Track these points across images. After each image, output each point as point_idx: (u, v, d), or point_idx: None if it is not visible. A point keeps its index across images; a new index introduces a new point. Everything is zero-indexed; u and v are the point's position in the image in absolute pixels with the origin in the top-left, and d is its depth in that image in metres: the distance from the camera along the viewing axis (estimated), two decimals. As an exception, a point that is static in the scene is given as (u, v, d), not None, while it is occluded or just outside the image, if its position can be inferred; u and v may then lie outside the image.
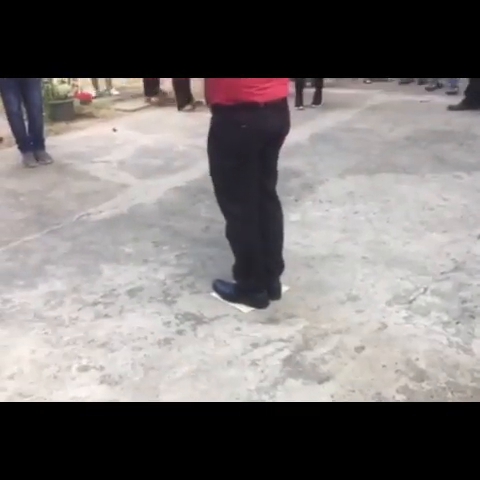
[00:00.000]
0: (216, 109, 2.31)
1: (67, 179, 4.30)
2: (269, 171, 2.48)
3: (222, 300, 2.62)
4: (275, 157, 2.49)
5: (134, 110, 6.48)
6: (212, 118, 2.35)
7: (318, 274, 2.79)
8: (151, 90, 6.67)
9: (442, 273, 2.71)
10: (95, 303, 2.67)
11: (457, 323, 2.34)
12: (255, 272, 2.52)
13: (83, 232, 3.39)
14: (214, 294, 2.68)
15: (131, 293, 2.73)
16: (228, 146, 2.29)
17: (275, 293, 2.59)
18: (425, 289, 2.59)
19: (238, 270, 2.58)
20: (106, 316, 2.57)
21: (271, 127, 2.30)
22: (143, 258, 3.06)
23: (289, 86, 2.44)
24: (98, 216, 3.61)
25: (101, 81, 7.01)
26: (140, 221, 3.51)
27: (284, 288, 2.66)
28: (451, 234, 3.07)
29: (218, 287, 2.70)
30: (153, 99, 6.63)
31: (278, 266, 2.60)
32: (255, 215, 2.43)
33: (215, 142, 2.35)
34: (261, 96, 2.21)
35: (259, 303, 2.55)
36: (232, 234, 2.51)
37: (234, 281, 2.62)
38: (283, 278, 2.72)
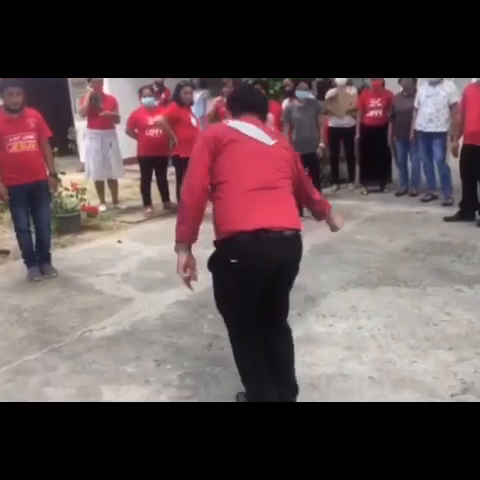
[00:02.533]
0: (215, 246, 2.39)
1: (71, 293, 4.32)
2: (276, 304, 2.48)
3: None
4: (280, 292, 2.47)
5: (139, 222, 6.66)
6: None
7: (324, 396, 2.72)
8: (148, 200, 6.89)
9: (452, 395, 2.65)
10: (94, 429, 2.58)
11: (471, 452, 2.24)
12: (264, 395, 2.43)
13: (85, 350, 3.35)
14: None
15: (132, 418, 2.65)
16: (223, 282, 2.36)
17: None
18: (435, 413, 2.51)
19: (248, 392, 2.52)
20: (105, 444, 2.47)
21: (268, 261, 2.25)
22: (145, 378, 3.00)
23: (297, 217, 2.42)
24: (100, 333, 3.59)
25: (107, 193, 7.26)
26: (142, 338, 3.49)
27: (290, 412, 2.58)
28: (457, 352, 3.03)
29: (239, 399, 2.64)
30: (149, 210, 6.83)
31: (291, 389, 2.53)
32: (257, 342, 2.42)
33: (214, 278, 2.43)
34: (249, 224, 2.19)
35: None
36: (236, 357, 2.51)
37: None
38: (289, 401, 2.66)
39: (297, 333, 3.37)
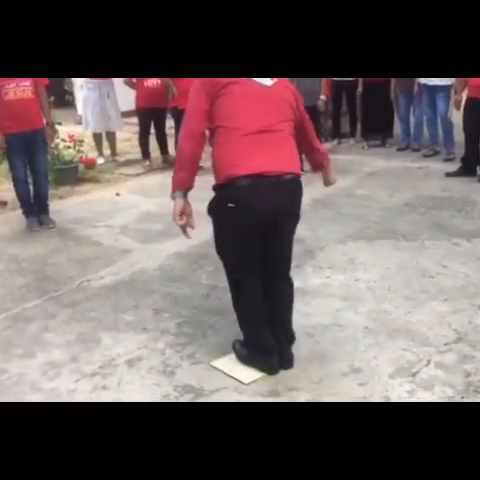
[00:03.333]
0: (213, 191, 2.39)
1: (69, 244, 4.33)
2: (276, 253, 2.46)
3: (227, 369, 2.58)
4: (279, 237, 2.43)
5: (138, 174, 6.60)
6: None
7: (319, 344, 2.76)
8: (147, 153, 6.82)
9: (445, 344, 2.68)
10: (93, 374, 2.63)
11: (462, 398, 2.29)
12: (265, 345, 2.50)
13: (83, 299, 3.38)
14: (215, 363, 2.64)
15: (130, 363, 2.70)
16: (222, 223, 2.37)
17: (286, 363, 2.55)
18: (428, 361, 2.56)
19: (246, 337, 2.58)
20: (104, 388, 2.52)
21: (264, 206, 2.24)
22: (143, 326, 3.04)
23: (298, 162, 2.43)
24: (99, 282, 3.61)
25: (105, 146, 7.18)
26: (141, 288, 3.51)
27: (285, 359, 2.63)
28: (452, 303, 3.06)
29: (235, 347, 2.67)
30: (147, 163, 6.77)
31: (287, 336, 2.58)
32: (257, 290, 2.45)
33: (214, 220, 2.43)
34: (244, 167, 2.18)
35: (270, 369, 2.50)
36: (234, 302, 2.56)
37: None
38: (284, 348, 2.71)
39: (295, 284, 3.41)
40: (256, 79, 2.32)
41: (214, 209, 2.39)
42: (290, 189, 2.35)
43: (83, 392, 2.49)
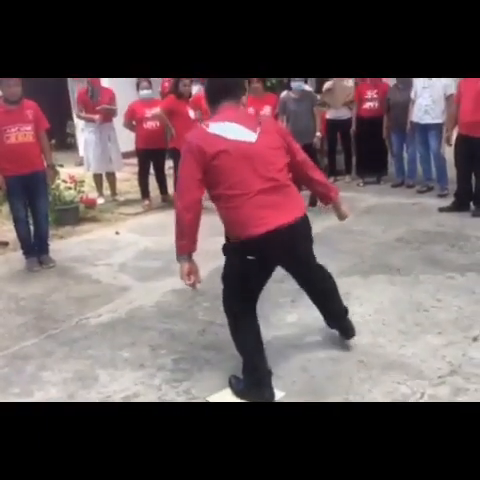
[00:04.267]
0: (227, 249, 2.58)
1: (69, 283, 4.38)
2: (303, 275, 2.81)
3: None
4: (301, 266, 2.73)
5: (137, 214, 6.71)
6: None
7: (314, 378, 2.78)
8: (146, 193, 6.95)
9: (439, 377, 2.70)
10: (89, 411, 2.64)
11: (455, 430, 2.30)
12: (260, 369, 2.63)
13: (81, 337, 3.42)
14: (211, 398, 2.66)
15: (126, 400, 2.71)
16: (236, 272, 2.55)
17: (348, 332, 3.00)
18: (422, 394, 2.57)
19: (244, 366, 2.68)
20: (100, 425, 2.53)
21: (283, 254, 2.49)
22: (140, 363, 3.06)
23: (299, 203, 2.58)
24: (97, 320, 3.65)
25: (105, 186, 7.32)
26: (138, 324, 3.55)
27: (280, 394, 2.65)
28: (446, 336, 3.09)
29: (232, 382, 2.76)
30: (147, 202, 6.89)
31: (341, 309, 2.98)
32: (254, 318, 2.69)
33: (228, 271, 2.63)
34: (257, 228, 2.37)
35: (265, 398, 2.58)
36: (232, 332, 2.73)
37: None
38: (278, 383, 2.73)
39: (291, 319, 3.46)
40: (240, 139, 2.42)
41: (230, 255, 2.57)
42: (302, 230, 2.56)
43: (79, 429, 2.50)
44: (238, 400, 2.63)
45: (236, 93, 2.57)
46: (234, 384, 2.73)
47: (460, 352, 2.91)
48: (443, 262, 4.25)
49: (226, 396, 2.69)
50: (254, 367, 2.64)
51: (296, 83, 6.05)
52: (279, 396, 2.63)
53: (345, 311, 3.01)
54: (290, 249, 2.50)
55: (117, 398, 2.73)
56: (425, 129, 6.33)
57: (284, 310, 3.61)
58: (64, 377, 2.95)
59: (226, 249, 2.59)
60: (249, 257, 2.43)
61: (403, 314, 3.41)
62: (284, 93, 6.64)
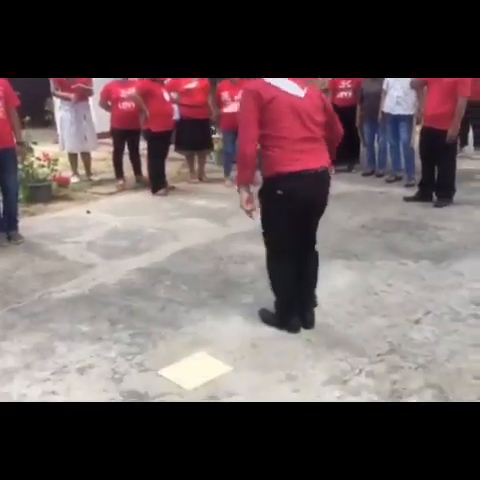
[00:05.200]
0: (263, 180, 3.03)
1: (35, 259, 4.46)
2: (308, 230, 3.13)
3: (172, 377, 2.73)
4: (315, 217, 3.12)
5: (110, 193, 6.77)
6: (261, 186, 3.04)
7: (262, 355, 2.92)
8: (120, 173, 7.01)
9: (378, 355, 2.86)
10: (45, 380, 2.76)
11: (385, 404, 2.46)
12: (288, 301, 3.13)
13: (43, 311, 3.51)
14: (162, 371, 2.79)
15: (81, 370, 2.83)
16: (271, 206, 2.97)
17: (308, 322, 3.17)
18: (360, 370, 2.73)
19: (275, 298, 3.16)
20: (53, 393, 2.65)
21: (304, 192, 2.87)
22: (98, 336, 3.17)
23: (328, 158, 3.02)
24: (59, 295, 3.74)
25: (81, 166, 7.35)
26: (99, 300, 3.65)
27: (228, 367, 2.79)
28: (391, 318, 3.25)
29: (261, 313, 3.28)
30: (121, 182, 6.96)
31: (312, 300, 3.25)
32: (289, 254, 3.05)
33: (263, 203, 3.02)
34: (292, 167, 2.82)
35: (292, 328, 3.10)
36: (268, 267, 3.17)
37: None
38: (228, 358, 2.88)
39: (246, 300, 3.59)
40: (291, 92, 2.86)
41: (265, 195, 2.99)
42: (325, 178, 3.01)
43: (33, 396, 2.61)
44: (186, 373, 2.76)
45: None
46: (264, 315, 3.25)
47: (401, 333, 3.07)
48: (400, 249, 4.41)
49: (177, 370, 2.82)
50: (284, 300, 3.13)
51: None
52: (227, 369, 2.77)
53: (315, 303, 3.26)
54: (311, 191, 2.91)
55: (72, 368, 2.84)
56: (396, 120, 6.47)
57: (241, 290, 3.75)
58: (23, 348, 3.05)
59: (261, 190, 3.01)
60: (278, 192, 2.87)
61: (354, 297, 3.56)
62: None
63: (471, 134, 8.24)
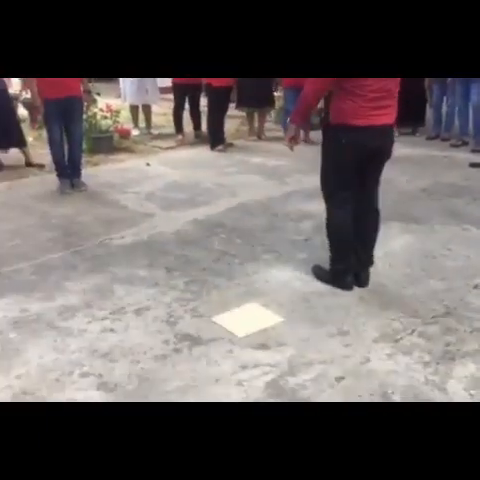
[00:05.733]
0: (327, 128, 3.10)
1: (97, 206, 4.61)
2: (371, 181, 3.13)
3: (225, 323, 2.80)
4: (374, 172, 3.11)
5: (169, 148, 6.85)
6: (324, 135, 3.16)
7: (313, 309, 2.95)
8: (180, 128, 7.05)
9: (432, 317, 2.83)
10: (104, 318, 2.89)
11: (437, 364, 2.44)
12: (344, 257, 3.10)
13: (103, 254, 3.65)
14: (215, 318, 2.86)
15: (138, 312, 2.94)
16: (333, 153, 3.00)
17: (363, 281, 3.16)
18: (413, 330, 2.71)
19: (331, 254, 3.15)
20: (111, 330, 2.78)
21: (368, 144, 2.88)
22: (154, 282, 3.28)
23: (395, 114, 3.04)
24: (120, 241, 3.87)
25: (141, 119, 7.45)
26: (157, 248, 3.75)
27: (279, 319, 2.83)
28: (448, 282, 3.18)
29: (315, 270, 3.30)
30: (180, 137, 7.00)
31: (369, 259, 3.20)
32: (348, 206, 3.05)
33: (325, 150, 3.07)
34: (360, 121, 2.84)
35: (346, 286, 3.11)
36: (327, 218, 3.14)
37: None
38: (280, 310, 2.91)
39: (301, 256, 3.60)
40: None
41: (329, 143, 3.05)
42: (388, 134, 3.01)
43: (93, 332, 2.75)
44: (240, 321, 2.82)
45: None
46: (316, 272, 3.28)
47: (458, 296, 3.01)
48: (462, 215, 4.28)
49: (230, 318, 2.89)
50: (341, 256, 3.11)
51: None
52: (278, 320, 2.82)
53: (371, 262, 3.22)
54: (375, 143, 2.91)
55: (130, 309, 2.96)
56: (467, 81, 6.16)
57: (297, 248, 3.75)
58: (84, 288, 3.20)
59: (326, 132, 3.13)
60: (343, 141, 2.90)
61: (411, 259, 3.50)
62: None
63: None
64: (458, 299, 3.00)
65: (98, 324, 2.83)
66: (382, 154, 3.04)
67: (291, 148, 3.13)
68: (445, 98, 6.70)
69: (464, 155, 6.06)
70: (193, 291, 3.17)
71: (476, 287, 3.12)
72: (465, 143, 6.45)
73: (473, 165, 5.60)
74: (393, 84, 2.91)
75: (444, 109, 6.79)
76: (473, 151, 6.14)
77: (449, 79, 6.37)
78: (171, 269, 3.44)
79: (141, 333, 2.75)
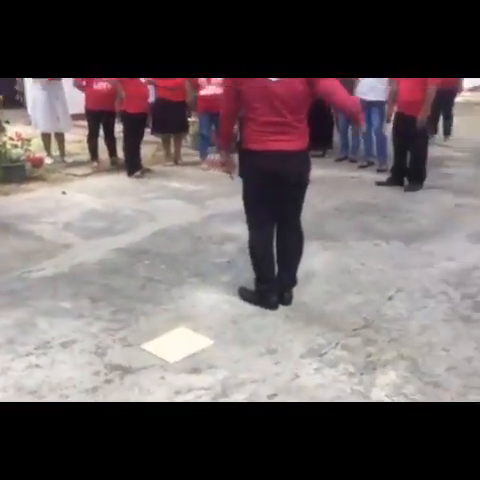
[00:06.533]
0: (239, 153, 3.34)
1: (10, 238, 4.44)
2: (289, 206, 3.21)
3: (155, 350, 2.79)
4: (288, 197, 3.15)
5: (85, 175, 6.73)
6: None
7: (242, 330, 3.02)
8: (95, 154, 6.99)
9: (353, 330, 2.99)
10: (28, 354, 2.79)
11: (361, 374, 2.59)
12: (267, 277, 3.23)
13: (23, 288, 3.52)
14: (145, 345, 2.85)
15: (64, 345, 2.87)
16: (244, 177, 3.17)
17: (286, 300, 3.27)
18: (336, 344, 2.85)
19: (255, 274, 3.26)
20: (37, 366, 2.69)
21: (263, 168, 3.00)
22: (79, 313, 3.21)
23: (302, 142, 3.11)
24: (39, 274, 3.75)
25: (55, 147, 7.27)
26: (79, 279, 3.68)
27: (209, 341, 2.87)
28: (365, 295, 3.38)
29: (241, 291, 3.38)
30: (95, 164, 6.94)
31: (291, 280, 3.31)
32: (269, 228, 3.20)
33: (240, 174, 3.22)
34: (256, 145, 2.98)
35: (271, 305, 3.21)
36: (249, 240, 3.24)
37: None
38: (209, 333, 2.96)
39: (225, 279, 3.67)
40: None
41: (240, 167, 3.26)
42: (292, 158, 3.02)
43: (17, 369, 2.65)
44: (169, 346, 2.83)
45: None
46: (243, 293, 3.34)
47: (375, 309, 3.21)
48: (373, 231, 4.56)
49: (160, 344, 2.89)
50: (264, 276, 3.22)
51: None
52: (208, 343, 2.86)
53: (294, 283, 3.32)
54: (279, 171, 2.98)
55: (55, 343, 2.88)
56: (368, 106, 6.59)
57: (220, 270, 3.82)
58: (4, 323, 3.07)
59: (239, 156, 3.34)
60: (246, 164, 3.10)
61: (329, 276, 3.68)
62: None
63: (441, 123, 8.47)
64: (375, 311, 3.19)
65: (22, 360, 2.73)
66: (286, 179, 3.03)
67: (229, 174, 3.32)
68: (350, 126, 7.14)
69: (371, 175, 6.46)
70: (120, 320, 3.14)
71: (390, 299, 3.34)
72: (371, 163, 6.88)
73: (379, 184, 5.98)
74: (287, 112, 2.93)
75: (350, 133, 7.22)
76: (379, 171, 6.56)
77: (353, 104, 6.77)
78: (96, 299, 3.39)
79: (69, 367, 2.69)
